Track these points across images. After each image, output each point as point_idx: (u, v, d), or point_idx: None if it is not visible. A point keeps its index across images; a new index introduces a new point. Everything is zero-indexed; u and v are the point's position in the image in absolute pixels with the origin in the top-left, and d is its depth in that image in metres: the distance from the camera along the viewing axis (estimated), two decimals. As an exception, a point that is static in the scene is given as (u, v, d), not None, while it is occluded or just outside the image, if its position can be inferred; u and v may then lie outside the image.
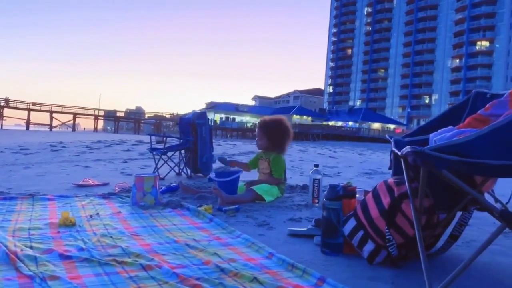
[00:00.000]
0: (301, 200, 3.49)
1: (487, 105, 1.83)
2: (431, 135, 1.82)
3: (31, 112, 50.47)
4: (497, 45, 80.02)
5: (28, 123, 49.26)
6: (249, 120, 70.27)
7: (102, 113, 62.45)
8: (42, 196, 3.27)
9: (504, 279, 1.77)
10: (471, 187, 1.60)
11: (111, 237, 2.16)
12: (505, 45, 78.66)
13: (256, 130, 3.76)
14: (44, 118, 53.17)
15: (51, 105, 53.65)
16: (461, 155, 1.37)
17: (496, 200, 2.36)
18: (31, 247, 1.92)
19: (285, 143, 3.71)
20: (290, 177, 4.78)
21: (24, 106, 50.67)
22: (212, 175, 3.63)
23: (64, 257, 1.80)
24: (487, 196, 2.12)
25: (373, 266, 1.84)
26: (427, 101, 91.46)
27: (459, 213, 2.04)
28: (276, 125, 3.70)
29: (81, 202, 3.12)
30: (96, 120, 57.57)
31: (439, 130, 1.80)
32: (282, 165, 3.67)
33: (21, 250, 1.84)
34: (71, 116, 54.58)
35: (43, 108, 53.08)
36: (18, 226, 2.32)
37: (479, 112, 1.84)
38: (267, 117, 3.84)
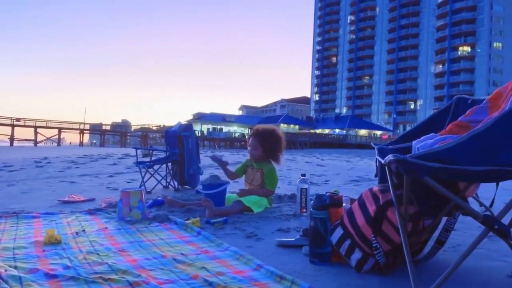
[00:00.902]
0: (289, 210, 3.49)
1: (468, 111, 1.87)
2: (414, 142, 1.84)
3: (15, 128, 49.87)
4: (479, 50, 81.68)
5: (12, 139, 48.60)
6: (237, 130, 70.41)
7: (87, 126, 61.98)
8: (26, 214, 3.21)
9: (490, 282, 1.79)
10: (454, 193, 1.62)
11: (98, 254, 2.13)
12: (486, 50, 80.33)
13: (250, 139, 3.68)
14: (29, 133, 52.80)
15: (36, 120, 53.16)
16: (443, 162, 1.39)
17: (481, 204, 2.39)
18: (15, 267, 1.88)
19: (280, 153, 3.68)
20: (278, 187, 4.77)
21: (8, 122, 50.02)
22: (199, 187, 3.61)
23: (50, 276, 1.77)
24: (471, 200, 2.15)
25: (361, 275, 1.84)
26: (412, 106, 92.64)
27: (444, 219, 2.06)
28: (271, 134, 3.66)
29: (67, 219, 3.07)
30: (81, 134, 57.06)
31: (422, 137, 1.82)
32: (276, 177, 3.66)
33: (5, 270, 1.81)
34: (56, 131, 54.06)
35: (27, 123, 52.56)
36: (2, 246, 2.28)
37: (460, 118, 1.88)
38: (260, 126, 3.76)
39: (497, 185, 1.79)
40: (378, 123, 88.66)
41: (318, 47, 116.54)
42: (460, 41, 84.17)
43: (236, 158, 12.50)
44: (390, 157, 1.47)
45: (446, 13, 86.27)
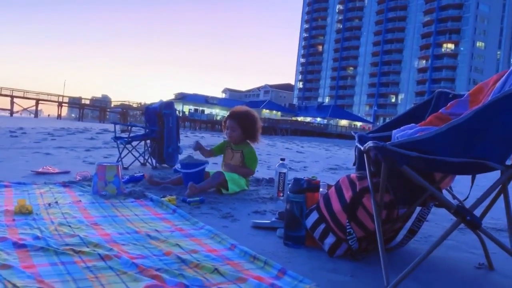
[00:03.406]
0: (267, 193, 3.50)
1: (448, 104, 1.89)
2: (394, 131, 1.86)
3: (-9, 97, 48.58)
4: (462, 48, 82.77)
5: (-14, 107, 47.34)
6: (219, 112, 70.01)
7: (66, 99, 60.77)
8: (-2, 183, 3.14)
9: (456, 272, 1.83)
10: (430, 184, 1.64)
11: (70, 226, 2.10)
12: (469, 49, 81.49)
13: (227, 122, 3.67)
14: (5, 102, 51.29)
15: (12, 90, 51.78)
16: (421, 151, 1.40)
17: (454, 197, 2.44)
18: (-17, 235, 1.84)
19: (258, 133, 3.70)
20: (257, 171, 4.78)
21: (-17, 90, 48.66)
22: (178, 166, 3.58)
23: (18, 245, 1.73)
24: (445, 193, 2.19)
25: (333, 259, 1.86)
26: (393, 100, 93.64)
27: (418, 209, 2.09)
28: (247, 114, 3.68)
29: (40, 190, 3.01)
30: (60, 107, 55.89)
31: (402, 127, 1.83)
32: (257, 157, 3.69)
33: (-28, 238, 1.76)
34: (33, 102, 52.85)
35: (4, 92, 51.18)
36: (-30, 213, 2.22)
37: (440, 110, 1.90)
38: (235, 109, 3.78)
39: (473, 178, 1.81)
40: (359, 115, 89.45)
41: (305, 35, 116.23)
42: (445, 38, 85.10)
43: (216, 140, 12.45)
44: (369, 143, 1.47)
45: (433, 9, 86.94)
